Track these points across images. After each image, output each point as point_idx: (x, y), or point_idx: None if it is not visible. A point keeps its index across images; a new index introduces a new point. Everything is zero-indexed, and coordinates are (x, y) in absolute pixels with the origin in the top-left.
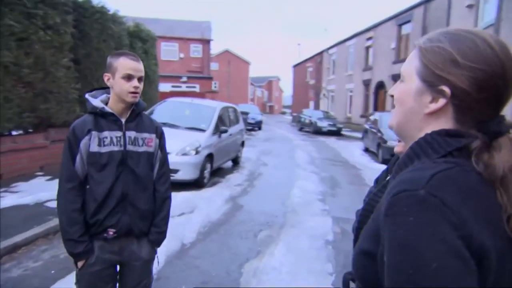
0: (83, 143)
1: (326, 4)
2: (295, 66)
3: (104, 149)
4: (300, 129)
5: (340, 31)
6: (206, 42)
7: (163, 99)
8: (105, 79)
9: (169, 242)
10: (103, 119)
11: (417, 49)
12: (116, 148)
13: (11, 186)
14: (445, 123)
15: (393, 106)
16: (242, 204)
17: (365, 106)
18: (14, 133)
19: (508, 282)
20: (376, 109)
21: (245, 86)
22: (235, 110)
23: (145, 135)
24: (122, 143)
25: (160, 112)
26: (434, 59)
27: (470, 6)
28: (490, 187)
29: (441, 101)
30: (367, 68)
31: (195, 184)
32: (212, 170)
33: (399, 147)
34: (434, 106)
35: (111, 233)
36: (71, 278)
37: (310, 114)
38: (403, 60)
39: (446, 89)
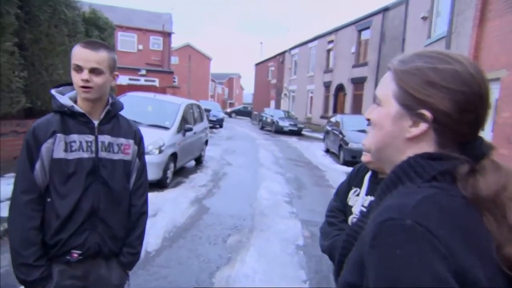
0: (45, 147)
1: (289, 5)
2: (257, 64)
3: (71, 156)
4: (262, 128)
5: (302, 32)
6: (167, 34)
7: (120, 93)
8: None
9: None
10: (72, 120)
11: (391, 71)
12: (86, 155)
13: None
14: (427, 146)
15: (369, 128)
16: (209, 207)
17: (325, 107)
18: None
19: None
20: (335, 110)
21: (205, 82)
22: (199, 108)
23: (122, 140)
24: (93, 149)
25: None
26: (411, 82)
27: (424, 18)
28: (477, 213)
29: (423, 125)
30: (328, 70)
31: (158, 185)
32: (175, 170)
33: (366, 157)
34: (415, 131)
35: (75, 255)
36: None
37: (271, 113)
38: (362, 64)
39: (426, 112)
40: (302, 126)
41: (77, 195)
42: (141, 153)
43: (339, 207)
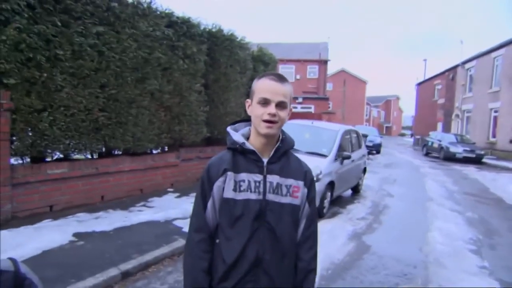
0: (216, 186)
1: (456, 18)
2: (420, 84)
3: (239, 196)
4: (426, 154)
5: (477, 44)
6: (323, 62)
7: None
8: (246, 106)
9: None
10: (242, 157)
11: None
12: (253, 196)
13: (148, 201)
14: None
15: None
16: (369, 244)
17: None
18: (153, 152)
19: None
20: None
21: (360, 106)
22: (357, 134)
23: (291, 181)
24: (261, 190)
25: None
26: None
27: None
28: None
29: None
30: None
31: None
32: (331, 199)
33: None
34: None
35: None
36: None
37: (439, 137)
38: None
39: None
40: (482, 152)
41: (243, 240)
42: (311, 197)
43: None
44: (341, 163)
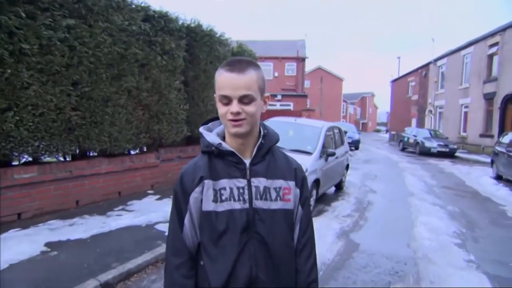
0: (193, 198)
1: (427, 15)
2: (394, 81)
3: (221, 207)
4: (403, 149)
5: (448, 42)
6: (300, 60)
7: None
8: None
9: None
10: (220, 161)
11: None
12: (238, 206)
13: (128, 204)
14: None
15: None
16: (358, 242)
17: (486, 124)
18: (132, 152)
19: None
20: (502, 127)
21: (337, 103)
22: (339, 130)
23: (280, 182)
24: (246, 197)
25: None
26: None
27: None
28: None
29: None
30: (489, 79)
31: None
32: (317, 197)
33: None
34: None
35: None
36: None
37: (414, 132)
38: None
39: None
40: (455, 147)
41: (231, 259)
42: (305, 198)
43: None
44: (326, 160)
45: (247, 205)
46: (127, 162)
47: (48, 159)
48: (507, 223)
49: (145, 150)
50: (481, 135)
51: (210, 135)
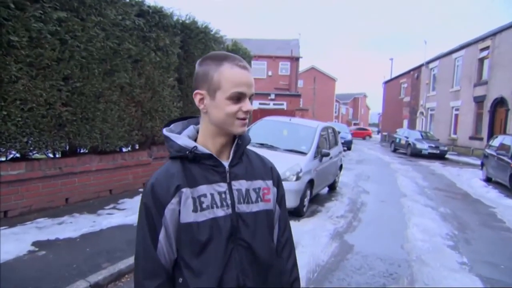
0: (169, 210)
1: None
2: (387, 82)
3: (203, 216)
4: (394, 150)
5: (441, 45)
6: (294, 59)
7: (253, 118)
8: (196, 99)
9: None
10: (195, 166)
11: None
12: (221, 213)
13: (119, 202)
14: None
15: None
16: (352, 244)
17: (476, 126)
18: (124, 150)
19: None
20: (491, 130)
21: (330, 103)
22: (334, 130)
23: (259, 183)
24: (228, 201)
25: (256, 132)
26: None
27: None
28: None
29: None
30: (480, 82)
31: (294, 213)
32: (311, 198)
33: None
34: None
35: None
36: None
37: (406, 134)
38: None
39: None
40: (445, 148)
41: (217, 269)
42: (281, 197)
43: None
44: (320, 160)
45: (230, 211)
46: (119, 159)
47: (37, 155)
48: (497, 225)
49: (137, 147)
50: (471, 138)
51: (181, 138)
